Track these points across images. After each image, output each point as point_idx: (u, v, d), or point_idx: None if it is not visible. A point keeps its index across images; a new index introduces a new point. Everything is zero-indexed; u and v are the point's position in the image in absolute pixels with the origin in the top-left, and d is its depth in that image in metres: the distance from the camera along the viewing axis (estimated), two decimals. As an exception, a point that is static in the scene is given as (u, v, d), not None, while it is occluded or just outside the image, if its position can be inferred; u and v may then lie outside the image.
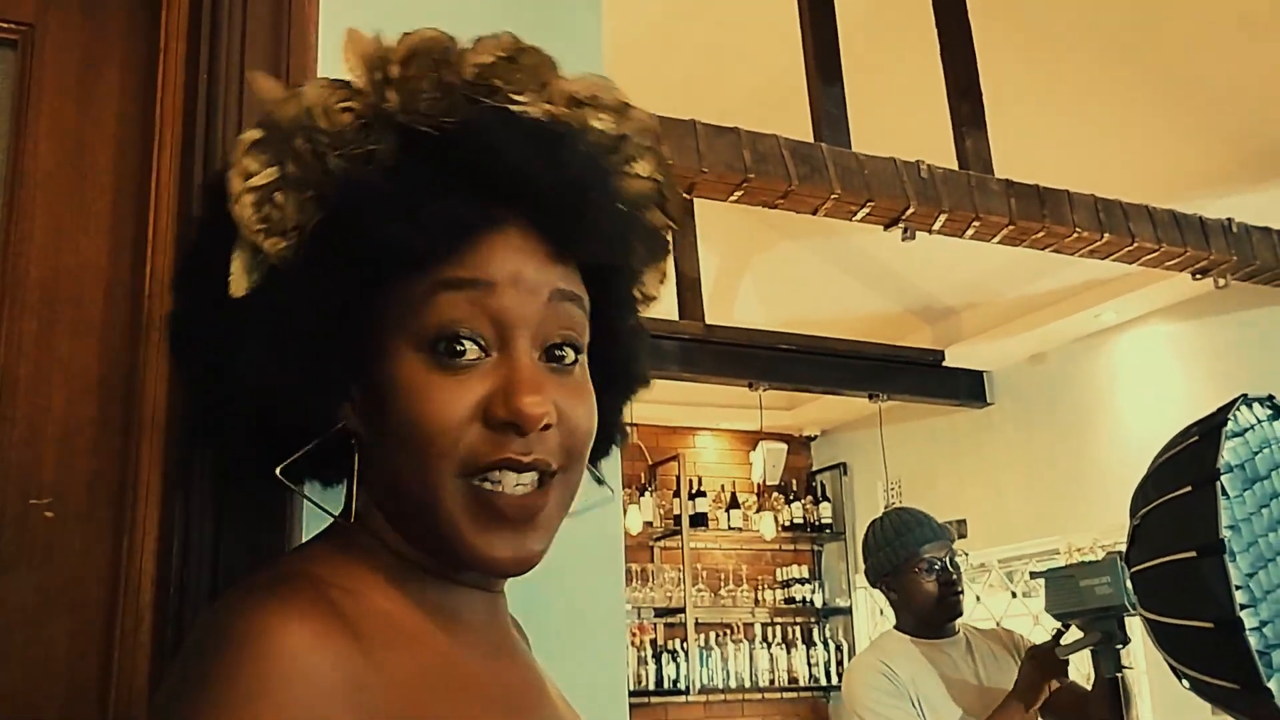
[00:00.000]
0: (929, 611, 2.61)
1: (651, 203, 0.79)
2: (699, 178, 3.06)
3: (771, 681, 6.39)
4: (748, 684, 6.28)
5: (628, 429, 0.87)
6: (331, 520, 0.74)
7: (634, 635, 6.15)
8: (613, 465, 1.17)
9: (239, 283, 0.70)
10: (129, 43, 0.95)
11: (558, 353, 0.71)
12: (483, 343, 0.69)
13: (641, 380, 0.86)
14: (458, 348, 0.68)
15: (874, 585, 2.74)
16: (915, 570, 2.61)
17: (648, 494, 6.28)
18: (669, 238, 0.83)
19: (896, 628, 2.69)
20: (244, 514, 0.84)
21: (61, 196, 0.91)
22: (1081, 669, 2.45)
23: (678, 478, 6.37)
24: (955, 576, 2.62)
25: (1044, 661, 2.37)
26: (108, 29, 0.95)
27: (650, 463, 6.42)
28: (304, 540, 0.88)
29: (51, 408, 0.87)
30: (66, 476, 0.86)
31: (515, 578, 0.73)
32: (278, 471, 0.71)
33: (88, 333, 0.89)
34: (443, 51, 0.72)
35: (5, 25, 0.92)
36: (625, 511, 5.85)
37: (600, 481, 0.86)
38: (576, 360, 0.73)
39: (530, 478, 0.69)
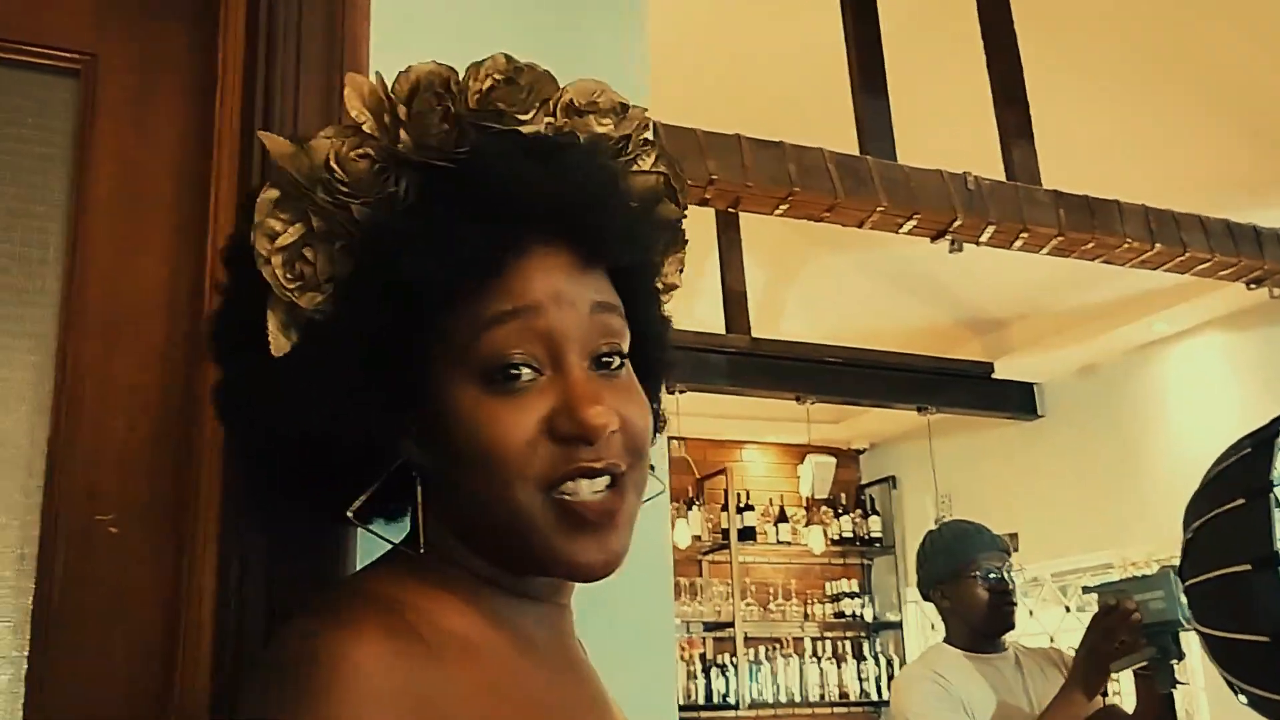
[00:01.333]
0: (982, 621, 2.58)
1: (662, 195, 0.81)
2: (744, 192, 3.07)
3: (821, 696, 6.35)
4: (797, 698, 6.24)
5: (665, 416, 0.89)
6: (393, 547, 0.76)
7: (683, 650, 6.14)
8: (660, 477, 1.18)
9: (279, 342, 0.72)
10: (186, 69, 0.98)
11: (605, 360, 0.73)
12: (536, 364, 0.71)
13: (672, 366, 0.87)
14: (513, 372, 0.70)
15: (926, 595, 2.72)
16: (970, 578, 2.59)
17: (695, 508, 6.27)
18: (683, 226, 0.85)
19: (946, 641, 2.67)
20: (300, 530, 0.86)
21: (121, 221, 0.93)
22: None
23: (725, 491, 6.36)
24: (1010, 588, 2.60)
25: (1106, 633, 2.23)
26: (165, 56, 0.98)
27: (698, 476, 6.42)
28: (361, 560, 0.90)
29: (114, 427, 0.89)
30: (129, 493, 0.89)
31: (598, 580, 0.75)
32: (349, 514, 0.73)
33: (148, 354, 0.92)
34: (444, 84, 0.73)
35: (67, 55, 0.95)
36: (674, 525, 5.85)
37: (651, 469, 0.88)
38: (623, 364, 0.75)
39: (604, 482, 0.71)
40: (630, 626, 1.11)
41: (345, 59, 0.97)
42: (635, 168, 0.81)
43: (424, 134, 0.72)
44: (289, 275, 0.71)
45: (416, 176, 0.72)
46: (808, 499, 6.63)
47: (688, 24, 3.79)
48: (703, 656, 6.21)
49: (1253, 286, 4.00)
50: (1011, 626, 2.62)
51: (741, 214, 3.86)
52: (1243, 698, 1.82)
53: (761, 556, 6.56)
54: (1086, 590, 2.50)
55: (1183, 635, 2.15)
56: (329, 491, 0.75)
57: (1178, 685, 2.16)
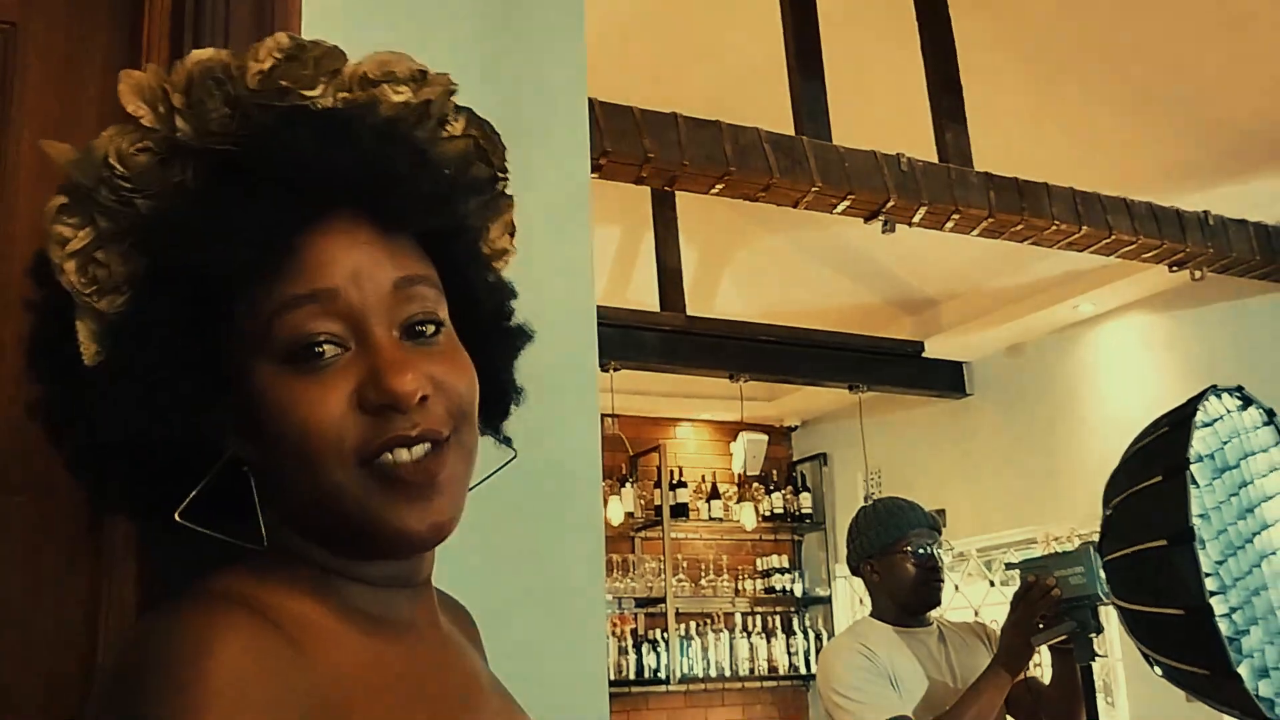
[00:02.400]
0: (910, 596, 2.63)
1: (473, 158, 0.80)
2: (680, 170, 3.07)
3: (751, 670, 6.42)
4: (728, 673, 6.31)
5: (521, 387, 0.87)
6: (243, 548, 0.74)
7: (614, 625, 6.17)
8: (593, 454, 1.18)
9: (90, 350, 0.70)
10: (111, 40, 0.95)
11: (418, 328, 0.72)
12: (338, 340, 0.69)
13: (519, 334, 0.86)
14: (316, 350, 0.69)
15: (856, 569, 2.76)
16: (901, 553, 2.63)
17: (628, 485, 6.30)
18: (504, 187, 0.83)
19: (873, 615, 2.72)
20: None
21: (44, 193, 0.91)
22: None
23: (659, 468, 6.39)
24: (939, 565, 2.65)
25: (1027, 609, 2.30)
26: (90, 26, 0.95)
27: (631, 454, 6.44)
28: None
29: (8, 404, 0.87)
30: (45, 473, 0.87)
31: (428, 550, 0.74)
32: (176, 517, 0.71)
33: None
34: (223, 68, 0.71)
35: (-14, 22, 0.93)
36: (606, 502, 5.86)
37: (506, 442, 0.86)
38: (439, 330, 0.73)
39: (422, 448, 0.69)
40: (561, 602, 1.11)
41: (275, 32, 0.95)
42: (444, 133, 0.79)
43: (203, 120, 0.70)
44: (83, 280, 0.69)
45: (200, 164, 0.71)
46: (740, 476, 6.69)
47: (626, 3, 3.77)
48: (634, 632, 6.25)
49: (1175, 269, 4.10)
50: (938, 603, 2.68)
51: (677, 192, 3.86)
52: (1158, 669, 1.88)
53: (693, 533, 6.61)
54: (1009, 566, 2.56)
55: (1101, 609, 2.21)
56: (163, 497, 0.72)
57: (1096, 658, 2.22)
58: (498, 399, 0.82)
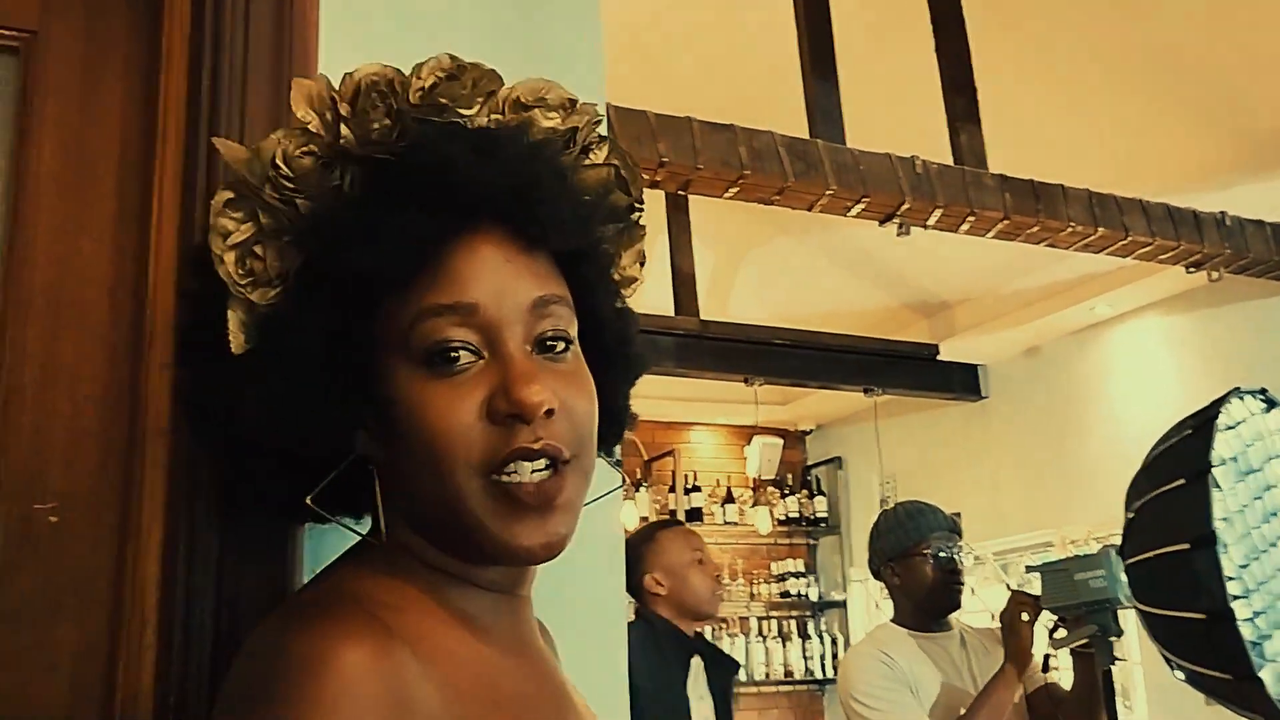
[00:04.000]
0: (929, 600, 2.62)
1: (613, 186, 0.83)
2: (695, 174, 3.07)
3: (767, 675, 6.41)
4: (743, 677, 6.29)
5: (635, 414, 0.90)
6: (359, 540, 0.77)
7: (631, 630, 6.16)
8: (618, 471, 1.18)
9: (238, 339, 0.74)
10: (131, 49, 0.95)
11: (549, 343, 0.74)
12: (473, 348, 0.72)
13: (639, 362, 0.89)
14: (451, 355, 0.71)
15: (877, 572, 2.76)
16: (921, 556, 2.63)
17: (643, 489, 6.29)
18: (640, 218, 0.87)
19: (894, 620, 2.71)
20: (248, 520, 0.85)
21: (64, 201, 0.91)
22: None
23: (673, 473, 6.39)
24: (959, 568, 2.64)
25: (1018, 608, 2.38)
26: (109, 36, 0.95)
27: (646, 458, 6.43)
28: (309, 553, 0.89)
29: (58, 413, 0.87)
30: (72, 482, 0.87)
31: (538, 565, 0.76)
32: (308, 501, 0.74)
33: (92, 338, 0.90)
34: (388, 83, 0.75)
35: (7, 32, 0.93)
36: (621, 507, 5.86)
37: (618, 465, 0.90)
38: (568, 349, 0.75)
39: (544, 464, 0.72)
40: (582, 606, 1.11)
41: (294, 42, 0.95)
42: (586, 161, 0.82)
43: (366, 129, 0.74)
44: (241, 272, 0.74)
45: (360, 170, 0.74)
46: (754, 480, 6.68)
47: (641, 7, 3.77)
48: (651, 636, 6.23)
49: (1192, 270, 4.08)
50: (958, 606, 2.67)
51: (692, 196, 3.85)
52: (1179, 673, 1.86)
53: (708, 537, 6.54)
54: (1030, 569, 2.56)
55: (1121, 613, 2.19)
56: (288, 486, 0.76)
57: (1116, 661, 2.21)
58: (612, 422, 0.85)
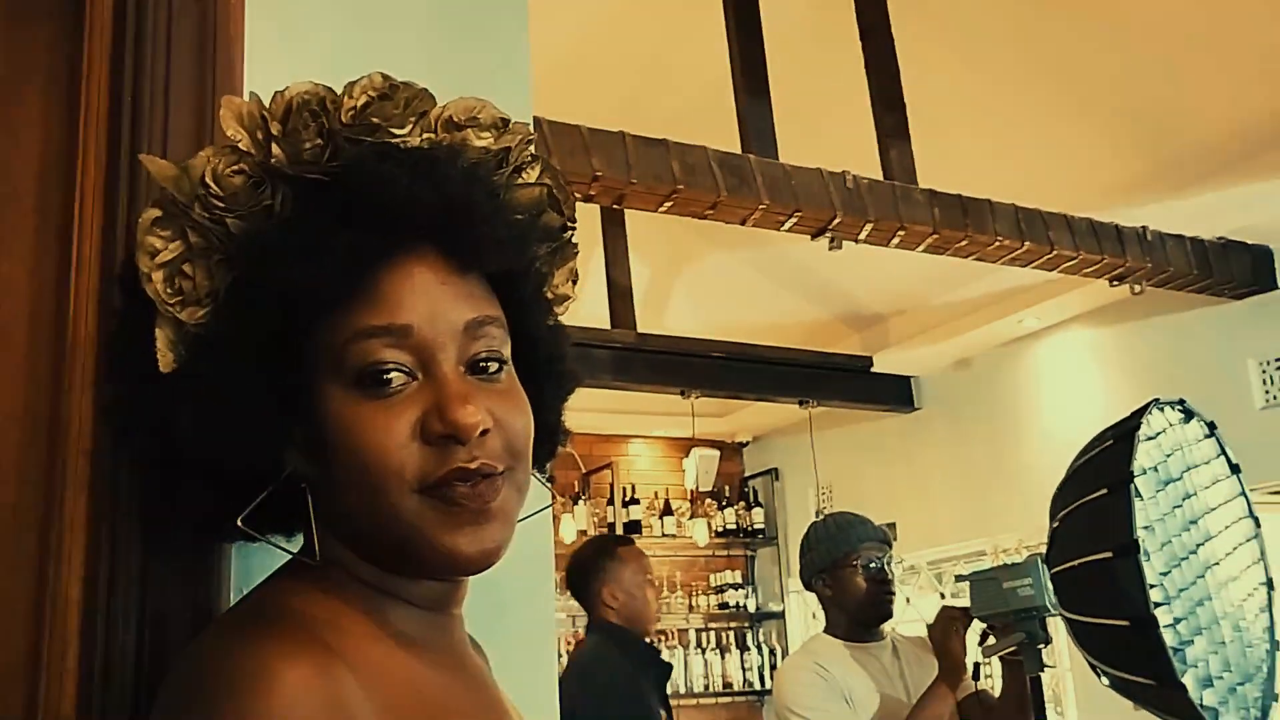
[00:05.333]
0: (861, 610, 2.65)
1: (545, 206, 0.83)
2: (629, 189, 3.08)
3: (706, 686, 6.42)
4: (682, 689, 6.30)
5: (568, 429, 0.90)
6: (291, 558, 0.77)
7: (567, 644, 6.14)
8: (549, 488, 1.18)
9: (166, 358, 0.73)
10: (51, 62, 0.94)
11: (481, 364, 0.75)
12: (407, 369, 0.72)
13: (571, 378, 0.89)
14: (385, 377, 0.71)
15: (809, 584, 2.78)
16: (851, 566, 2.66)
17: (581, 502, 6.28)
18: (572, 236, 0.87)
19: (826, 631, 2.73)
20: (173, 541, 0.84)
21: (-13, 219, 0.89)
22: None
23: (611, 485, 6.39)
24: (890, 578, 2.67)
25: (949, 622, 2.43)
26: (29, 50, 0.94)
27: (583, 471, 6.42)
28: (237, 571, 0.88)
29: (-26, 435, 0.86)
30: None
31: (475, 574, 0.76)
32: (239, 522, 0.74)
33: (11, 359, 0.88)
34: (319, 101, 0.74)
35: (-79, 47, 0.91)
36: (559, 520, 5.84)
37: (550, 481, 0.90)
38: (502, 369, 0.76)
39: (479, 480, 0.72)
40: (513, 621, 1.11)
41: (218, 57, 0.94)
42: (519, 180, 0.82)
43: (298, 148, 0.73)
44: (169, 290, 0.73)
45: (291, 190, 0.74)
46: (692, 492, 6.70)
47: (573, 22, 3.78)
48: (589, 650, 6.22)
49: (1115, 283, 4.18)
50: (889, 616, 2.70)
51: (627, 210, 3.87)
52: (1105, 679, 1.90)
53: (647, 549, 6.58)
54: (959, 579, 2.59)
55: (1049, 620, 2.23)
56: (216, 505, 0.75)
57: (1045, 668, 2.25)
58: (546, 439, 0.85)
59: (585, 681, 2.92)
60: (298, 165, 0.74)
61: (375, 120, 0.75)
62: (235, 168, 0.73)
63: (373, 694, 0.67)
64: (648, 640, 3.15)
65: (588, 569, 3.15)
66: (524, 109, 1.19)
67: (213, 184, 0.73)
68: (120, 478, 0.83)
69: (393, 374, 0.71)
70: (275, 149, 0.73)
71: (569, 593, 3.23)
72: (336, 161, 0.74)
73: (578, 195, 3.08)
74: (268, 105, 0.75)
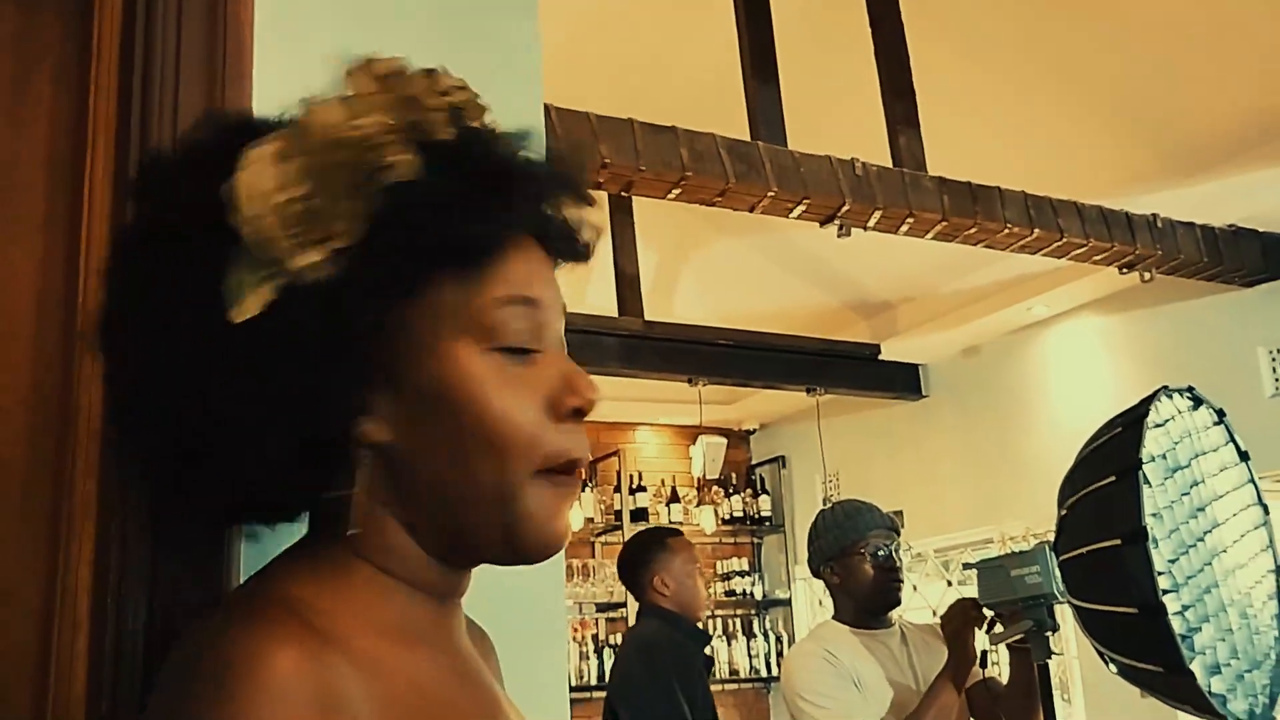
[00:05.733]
0: (869, 598, 2.65)
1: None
2: (637, 176, 3.08)
3: (712, 673, 6.42)
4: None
5: None
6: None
7: (575, 630, 6.16)
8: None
9: (249, 305, 0.66)
10: (60, 54, 0.94)
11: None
12: (536, 348, 0.73)
13: None
14: (523, 349, 0.72)
15: (817, 571, 2.78)
16: (859, 554, 2.65)
17: (588, 490, 6.29)
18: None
19: (835, 618, 2.73)
20: (182, 526, 0.84)
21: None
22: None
23: (618, 473, 6.39)
24: (897, 566, 2.67)
25: (966, 620, 2.42)
26: (37, 42, 0.94)
27: (590, 458, 6.42)
28: (246, 555, 0.88)
29: (-16, 421, 0.86)
30: (1, 490, 0.85)
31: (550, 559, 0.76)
32: (323, 497, 0.72)
33: (19, 348, 0.88)
34: (417, 75, 0.73)
35: (-70, 34, 0.91)
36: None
37: None
38: None
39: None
40: (522, 608, 1.11)
41: (228, 43, 0.94)
42: None
43: (423, 113, 0.71)
44: (285, 233, 0.66)
45: (418, 153, 0.70)
46: (699, 479, 6.70)
47: (582, 9, 3.77)
48: (595, 637, 6.24)
49: (1125, 271, 4.16)
50: (898, 603, 2.70)
51: (635, 198, 3.86)
52: (1113, 667, 1.90)
53: (654, 537, 6.61)
54: (967, 566, 2.59)
55: (1057, 607, 2.23)
56: (238, 485, 0.71)
57: (1052, 656, 2.25)
58: None
59: (649, 652, 3.12)
60: (423, 130, 0.70)
61: (463, 107, 0.73)
62: (363, 121, 0.69)
63: (370, 684, 0.66)
64: (699, 625, 3.30)
65: (639, 559, 3.29)
66: (535, 96, 1.19)
67: (346, 128, 0.68)
68: (131, 463, 0.83)
69: (528, 345, 0.72)
70: (404, 109, 0.70)
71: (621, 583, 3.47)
72: (447, 134, 0.71)
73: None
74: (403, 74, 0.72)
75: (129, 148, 0.88)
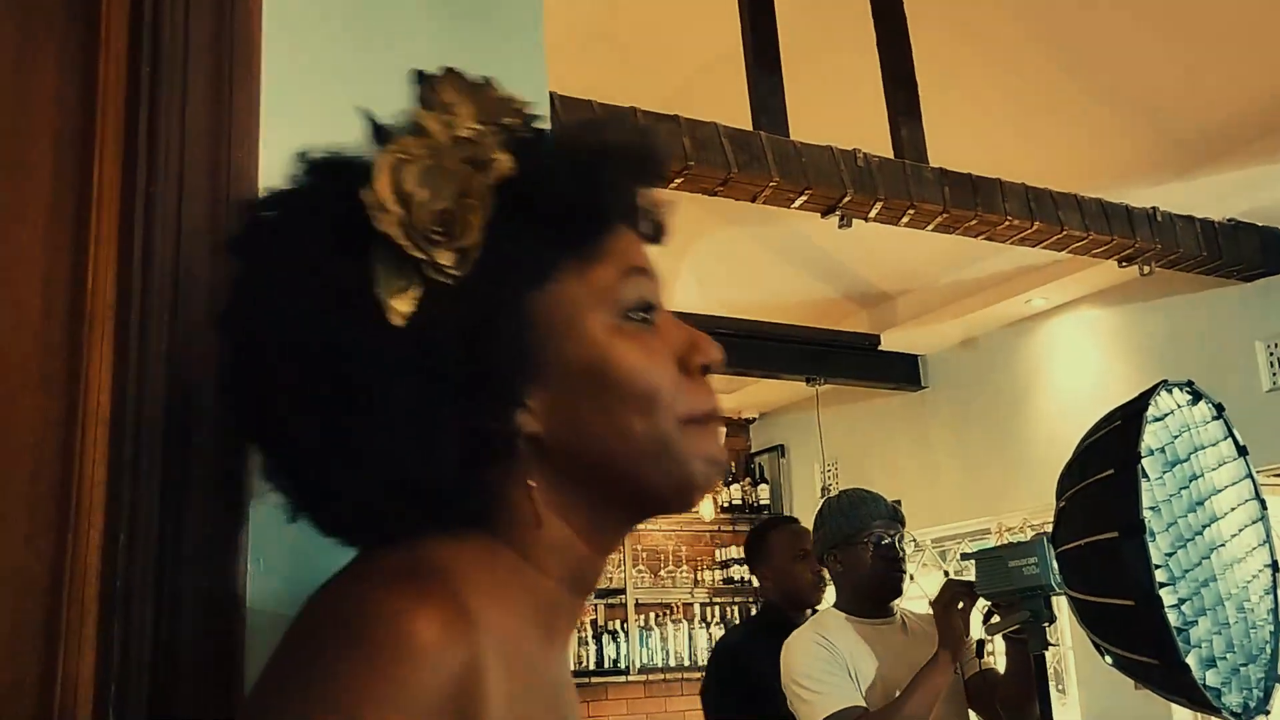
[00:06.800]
0: (870, 587, 2.66)
1: None
2: (639, 164, 3.07)
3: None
4: (687, 663, 6.34)
5: None
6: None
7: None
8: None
9: (401, 306, 0.68)
10: (66, 30, 0.94)
11: None
12: (656, 315, 0.77)
13: None
14: (648, 316, 0.76)
15: (820, 559, 2.80)
16: (863, 543, 2.66)
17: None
18: None
19: (835, 606, 2.74)
20: (191, 508, 0.85)
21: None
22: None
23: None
24: (900, 556, 2.68)
25: (953, 597, 2.42)
26: (43, 19, 0.93)
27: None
28: (255, 539, 0.88)
29: (-9, 403, 0.86)
30: (7, 470, 0.86)
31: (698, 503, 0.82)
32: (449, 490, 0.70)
33: (25, 325, 0.88)
34: (490, 85, 0.77)
35: (-62, 17, 0.91)
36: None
37: None
38: None
39: None
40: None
41: (235, 25, 0.94)
42: None
43: (515, 115, 0.76)
44: (424, 233, 0.68)
45: (525, 149, 0.74)
46: (698, 468, 6.70)
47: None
48: (594, 623, 6.26)
49: (1124, 264, 4.17)
50: (898, 594, 2.71)
51: (636, 185, 3.86)
52: (1108, 658, 1.91)
53: (653, 524, 6.62)
54: (964, 556, 2.60)
55: (1054, 599, 2.24)
56: (406, 476, 0.69)
57: (1049, 647, 2.26)
58: None
59: (718, 659, 3.35)
60: (518, 130, 0.75)
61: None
62: (474, 125, 0.73)
63: (506, 667, 0.65)
64: (811, 612, 3.20)
65: (748, 552, 3.43)
66: (540, 84, 1.19)
67: (459, 128, 0.72)
68: (141, 448, 0.84)
69: (651, 312, 0.76)
70: (493, 113, 0.75)
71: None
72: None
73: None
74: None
75: (138, 128, 0.88)
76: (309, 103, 1.00)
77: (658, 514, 0.78)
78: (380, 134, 0.74)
